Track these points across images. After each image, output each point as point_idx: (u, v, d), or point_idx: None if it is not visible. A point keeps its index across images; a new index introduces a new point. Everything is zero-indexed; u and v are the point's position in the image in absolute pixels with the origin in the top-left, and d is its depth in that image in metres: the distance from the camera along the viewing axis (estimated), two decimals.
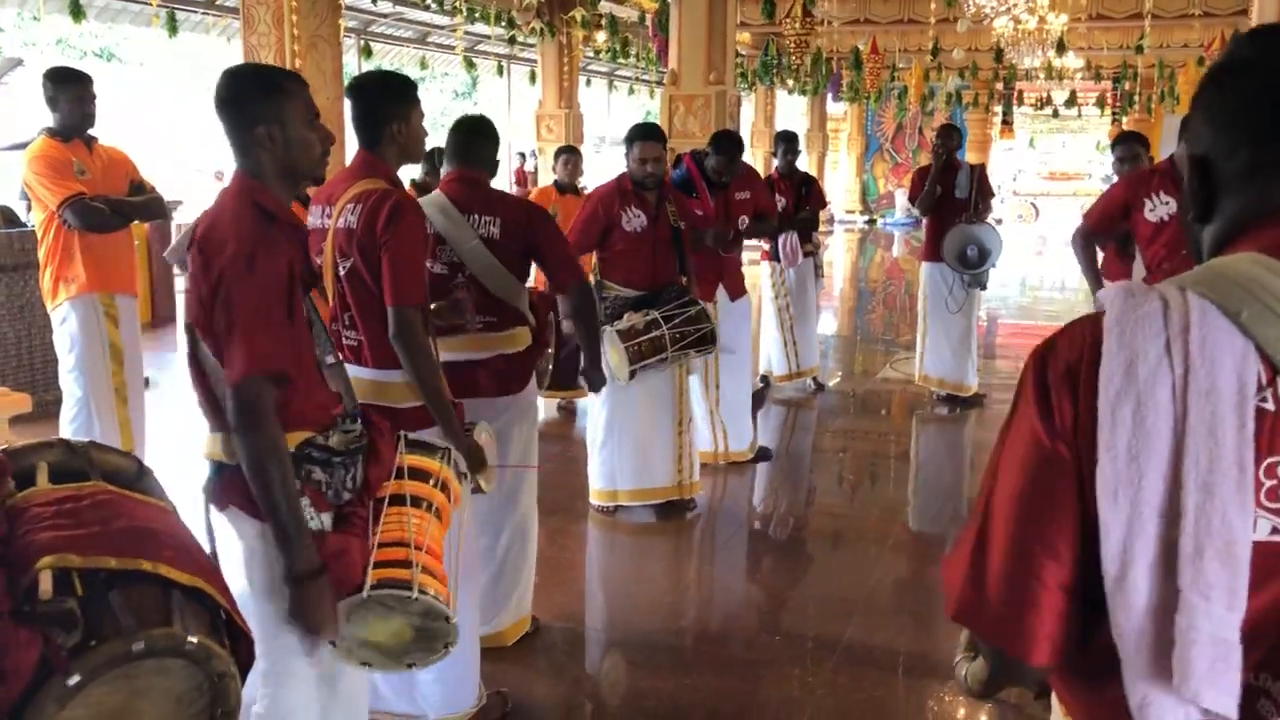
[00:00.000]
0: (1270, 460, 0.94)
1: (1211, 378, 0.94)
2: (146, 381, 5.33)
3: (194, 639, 1.70)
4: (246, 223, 2.10)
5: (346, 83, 2.83)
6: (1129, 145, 5.39)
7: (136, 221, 4.82)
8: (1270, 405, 0.95)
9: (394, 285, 2.67)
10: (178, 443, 4.38)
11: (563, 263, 3.59)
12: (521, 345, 3.52)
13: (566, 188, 6.89)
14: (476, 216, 3.39)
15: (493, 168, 3.55)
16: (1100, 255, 4.90)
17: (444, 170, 3.55)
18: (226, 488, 2.16)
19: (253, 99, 2.16)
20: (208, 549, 2.18)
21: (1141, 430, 0.95)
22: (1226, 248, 1.08)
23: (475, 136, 3.50)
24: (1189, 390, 0.95)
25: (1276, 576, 0.95)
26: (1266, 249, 1.02)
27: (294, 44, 6.46)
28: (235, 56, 7.58)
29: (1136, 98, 17.35)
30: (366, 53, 13.00)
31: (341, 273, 2.77)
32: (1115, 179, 5.34)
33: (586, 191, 5.97)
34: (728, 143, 5.53)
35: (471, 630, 3.02)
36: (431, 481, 2.39)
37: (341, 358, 2.54)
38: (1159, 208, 4.30)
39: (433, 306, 3.22)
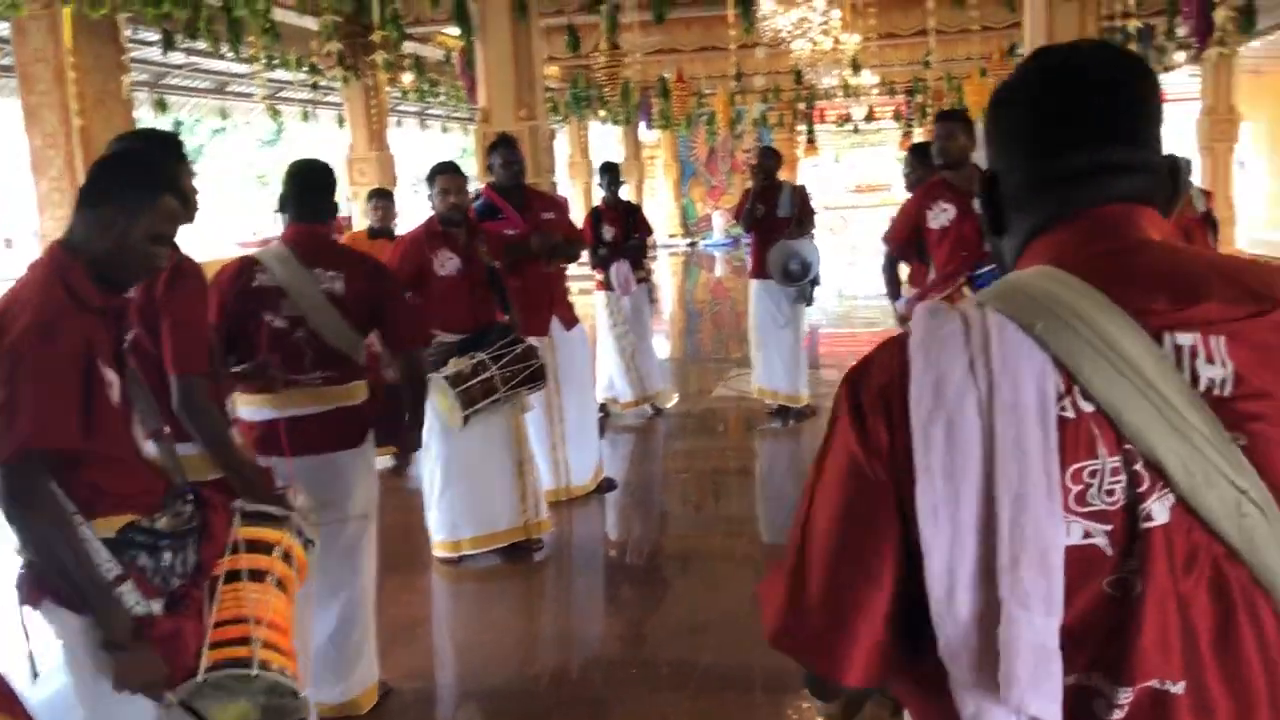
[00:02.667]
0: (1075, 466, 0.97)
1: (1014, 392, 0.96)
2: None
3: None
4: (49, 297, 1.99)
5: (109, 145, 2.67)
6: (913, 157, 5.66)
7: None
8: (1070, 413, 0.97)
9: (175, 352, 2.53)
10: None
11: (405, 325, 3.51)
12: (360, 398, 3.44)
13: (379, 232, 6.69)
14: (320, 270, 3.29)
15: (329, 215, 3.46)
16: (906, 268, 5.19)
17: (284, 222, 3.45)
18: (36, 583, 2.03)
19: (126, 179, 2.09)
20: (26, 648, 2.07)
21: (954, 449, 0.97)
22: (1020, 259, 1.13)
23: (310, 187, 3.40)
24: (994, 406, 0.96)
25: (1092, 577, 0.98)
26: (1053, 260, 1.06)
27: (77, 102, 6.12)
28: (13, 116, 7.11)
29: (928, 109, 18.27)
30: (161, 107, 12.43)
31: (124, 345, 2.60)
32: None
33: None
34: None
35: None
36: (274, 553, 2.27)
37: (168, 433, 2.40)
38: (940, 215, 4.69)
39: (237, 369, 3.09)
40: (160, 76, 12.93)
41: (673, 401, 8.22)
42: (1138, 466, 0.96)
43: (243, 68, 11.42)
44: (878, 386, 1.04)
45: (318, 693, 3.05)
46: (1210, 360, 0.98)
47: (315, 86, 10.67)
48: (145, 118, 11.69)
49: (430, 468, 4.79)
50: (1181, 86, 18.18)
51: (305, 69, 10.38)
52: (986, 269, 4.28)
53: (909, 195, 5.20)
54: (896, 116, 21.09)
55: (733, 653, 3.90)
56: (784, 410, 7.31)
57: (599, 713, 3.56)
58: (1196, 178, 13.86)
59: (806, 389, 7.39)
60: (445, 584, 4.79)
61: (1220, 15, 6.88)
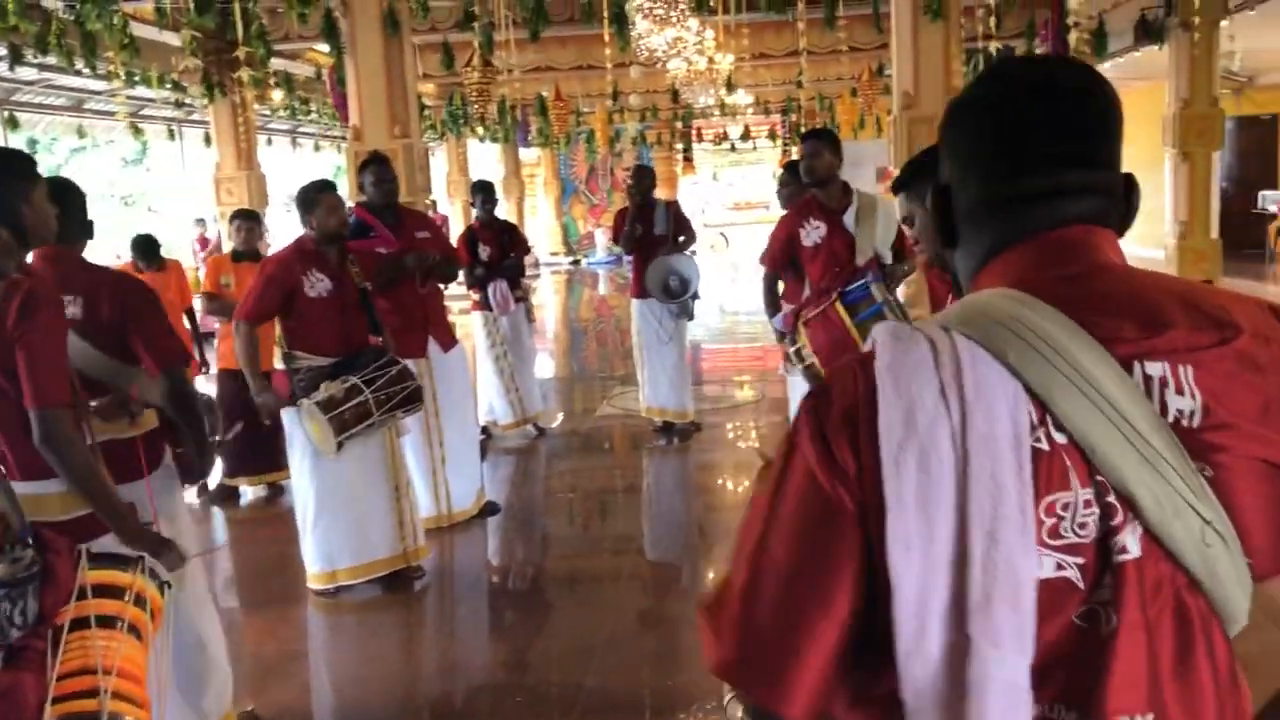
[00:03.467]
0: (1049, 499, 0.94)
1: (989, 423, 0.93)
2: None
3: None
4: None
5: None
6: (787, 175, 5.76)
7: None
8: (1044, 445, 0.95)
9: (34, 385, 2.37)
10: None
11: (155, 346, 3.10)
12: (144, 428, 3.09)
13: (244, 255, 6.39)
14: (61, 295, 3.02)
15: (73, 232, 3.02)
16: (781, 285, 5.26)
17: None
18: None
19: None
20: None
21: (928, 480, 0.93)
22: (977, 276, 1.10)
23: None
24: (967, 436, 0.93)
25: (1061, 610, 0.96)
26: (1014, 283, 1.03)
27: None
28: None
29: (802, 128, 18.68)
30: (13, 124, 11.83)
31: None
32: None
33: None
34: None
35: None
36: (125, 597, 2.13)
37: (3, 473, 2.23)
38: (812, 233, 4.79)
39: (94, 405, 2.88)
40: (11, 93, 12.30)
41: (557, 421, 8.15)
42: (1110, 498, 0.95)
43: (101, 84, 10.95)
44: (842, 409, 0.99)
45: None
46: (1179, 391, 0.96)
47: (179, 104, 10.30)
48: None
49: (303, 497, 4.61)
50: None
51: (168, 86, 10.02)
52: (857, 284, 4.36)
53: (784, 213, 5.27)
54: (772, 135, 21.50)
55: (620, 674, 3.85)
56: (669, 427, 7.32)
57: None
58: None
59: (692, 405, 7.41)
60: (322, 617, 4.61)
61: (1074, 38, 7.20)
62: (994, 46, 8.11)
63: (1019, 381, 0.95)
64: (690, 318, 7.27)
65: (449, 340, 5.54)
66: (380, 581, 4.75)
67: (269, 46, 7.68)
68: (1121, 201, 1.11)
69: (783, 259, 5.00)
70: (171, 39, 8.80)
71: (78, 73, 10.10)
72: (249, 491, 6.40)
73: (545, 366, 10.90)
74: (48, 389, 2.39)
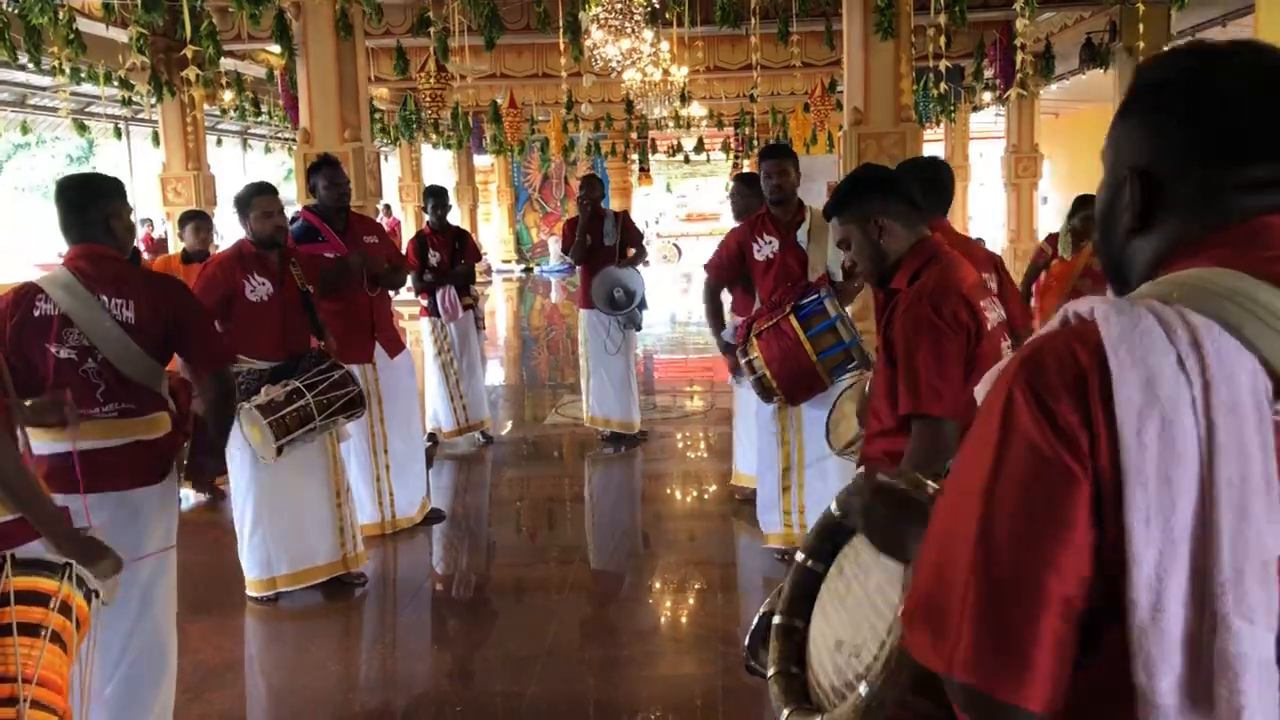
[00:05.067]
0: None
1: (1233, 394, 0.92)
2: None
3: None
4: None
5: None
6: (739, 186, 5.76)
7: None
8: None
9: None
10: None
11: (204, 350, 3.30)
12: (162, 431, 3.20)
13: (194, 256, 6.34)
14: (107, 298, 3.04)
15: (113, 230, 3.12)
16: (729, 297, 5.27)
17: (66, 246, 3.15)
18: None
19: None
20: None
21: (1170, 452, 0.91)
22: (1169, 263, 1.07)
23: (80, 205, 3.08)
24: (1211, 407, 0.91)
25: None
26: (1222, 264, 1.01)
27: None
28: None
29: (755, 141, 18.81)
30: None
31: None
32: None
33: None
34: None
35: None
36: (50, 604, 2.08)
37: None
38: (764, 247, 4.80)
39: (28, 403, 2.85)
40: None
41: (505, 429, 8.12)
42: None
43: (46, 79, 10.75)
44: (1064, 378, 0.96)
45: None
46: None
47: (127, 102, 10.12)
48: None
49: (241, 502, 4.55)
50: (988, 126, 19.34)
51: (115, 83, 9.84)
52: (810, 298, 4.39)
53: (736, 224, 5.27)
54: (725, 148, 21.63)
55: (565, 683, 3.84)
56: (617, 437, 7.32)
57: None
58: (1001, 213, 14.79)
59: (638, 415, 7.42)
60: (260, 624, 4.55)
61: (1021, 60, 7.33)
62: (943, 65, 8.23)
63: (1255, 354, 0.94)
64: (638, 328, 7.29)
65: (396, 346, 5.50)
66: (320, 589, 4.70)
67: (219, 46, 7.57)
68: None
69: (728, 270, 4.99)
70: (119, 35, 8.65)
71: (22, 67, 9.92)
72: (189, 495, 6.30)
73: (495, 374, 10.86)
74: None
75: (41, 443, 3.05)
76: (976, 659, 0.96)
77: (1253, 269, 0.99)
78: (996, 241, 13.72)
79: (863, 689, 1.24)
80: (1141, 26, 7.56)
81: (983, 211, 20.10)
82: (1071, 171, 17.13)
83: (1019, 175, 13.62)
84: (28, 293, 3.07)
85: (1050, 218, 16.21)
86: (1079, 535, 0.94)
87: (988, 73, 11.91)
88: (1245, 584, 0.90)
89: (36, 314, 3.04)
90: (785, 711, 1.38)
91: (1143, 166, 1.09)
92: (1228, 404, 0.91)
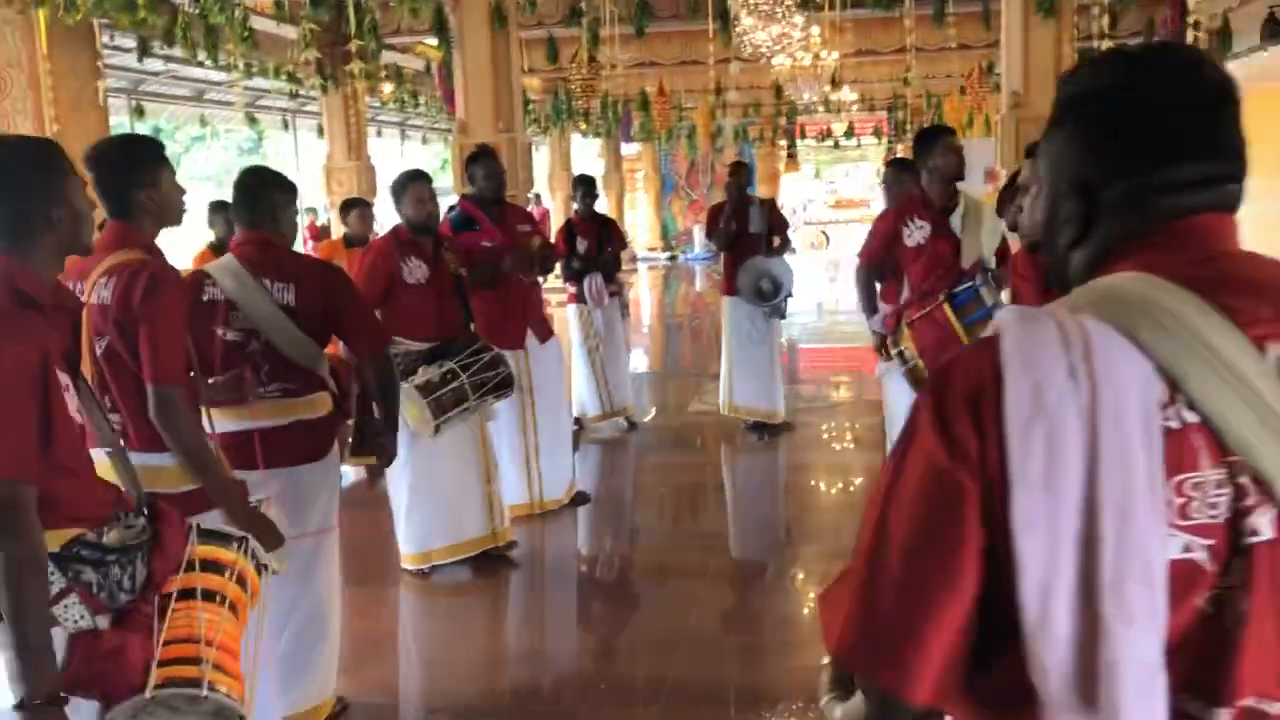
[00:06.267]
0: (1178, 479, 0.94)
1: (1118, 400, 0.93)
2: None
3: None
4: None
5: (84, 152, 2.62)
6: (893, 171, 5.65)
7: None
8: (1174, 423, 0.94)
9: (152, 362, 2.50)
10: None
11: (362, 331, 3.47)
12: (323, 410, 3.38)
13: (356, 241, 6.67)
14: (269, 282, 3.24)
15: (280, 220, 3.35)
16: (879, 285, 5.15)
17: (236, 231, 3.40)
18: None
19: (36, 175, 2.05)
20: None
21: (1054, 459, 0.93)
22: (1100, 269, 1.08)
23: (254, 193, 3.33)
24: (1097, 414, 0.93)
25: (1190, 594, 0.95)
26: (1145, 268, 1.02)
27: (53, 108, 6.06)
28: None
29: (909, 126, 18.38)
30: (139, 113, 12.36)
31: (99, 352, 2.56)
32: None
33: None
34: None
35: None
36: (226, 574, 2.23)
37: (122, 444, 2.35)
38: (915, 232, 4.61)
39: (211, 382, 3.04)
40: (138, 83, 12.85)
41: (649, 416, 8.19)
42: (1242, 479, 0.94)
43: (221, 75, 11.36)
44: (964, 391, 1.00)
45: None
46: None
47: (294, 95, 10.63)
48: (124, 124, 11.62)
49: (397, 479, 4.74)
50: None
51: (284, 78, 10.34)
52: (965, 286, 4.28)
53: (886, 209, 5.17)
54: (877, 133, 21.20)
55: (705, 668, 3.87)
56: (760, 426, 7.29)
57: None
58: None
59: (783, 405, 7.37)
60: (414, 597, 4.73)
61: (1195, 37, 6.95)
62: (1107, 46, 7.87)
63: (1150, 361, 0.95)
64: (782, 317, 7.22)
65: (546, 332, 5.62)
66: (471, 564, 4.85)
67: (380, 40, 7.87)
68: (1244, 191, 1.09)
69: (882, 256, 4.85)
70: (288, 32, 9.08)
71: (200, 64, 10.52)
72: (350, 472, 6.59)
73: (639, 361, 10.95)
74: (165, 366, 2.51)
75: (221, 422, 3.25)
76: (865, 649, 1.03)
77: (1172, 272, 1.00)
78: None
79: None
80: None
81: None
82: (1257, 156, 16.15)
83: None
84: (197, 279, 3.28)
85: None
86: (968, 542, 0.98)
87: None
88: (1126, 587, 0.91)
89: (205, 299, 3.24)
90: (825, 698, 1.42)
91: (1079, 179, 1.10)
92: (1113, 411, 0.93)
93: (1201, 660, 0.95)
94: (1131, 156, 1.07)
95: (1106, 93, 1.09)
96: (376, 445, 3.68)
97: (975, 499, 0.97)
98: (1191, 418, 0.94)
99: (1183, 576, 0.94)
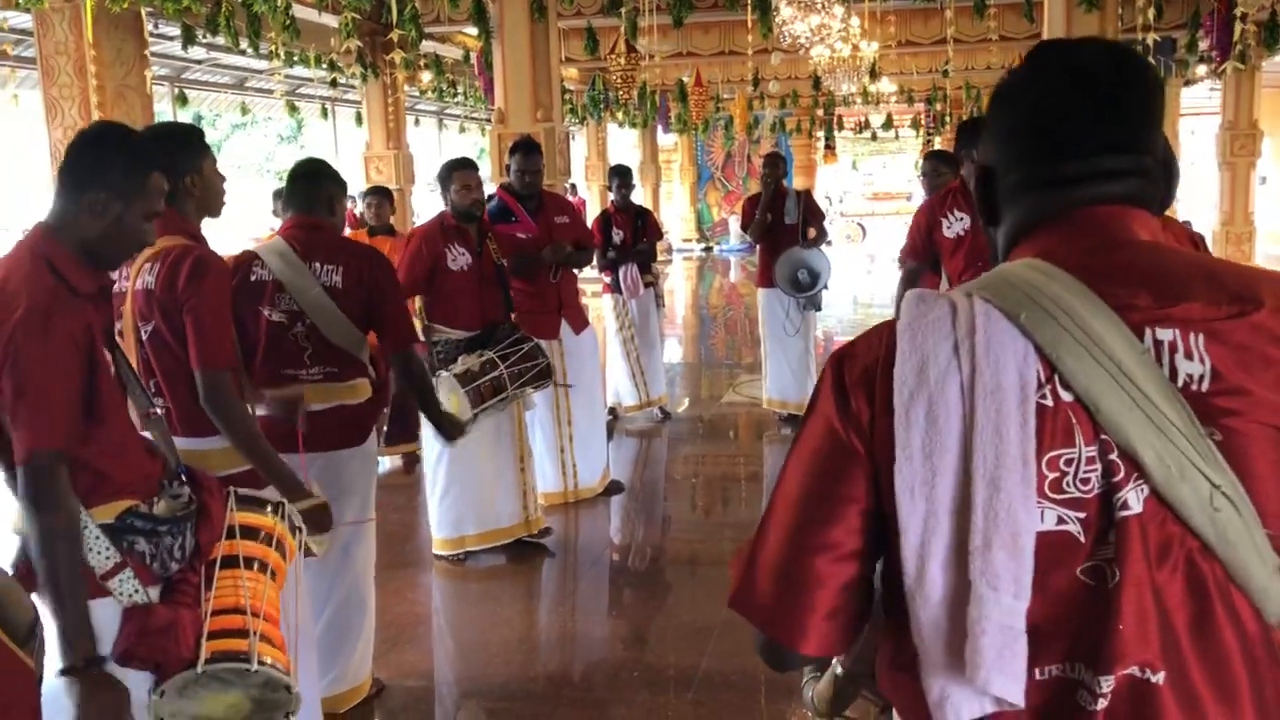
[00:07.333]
0: (1051, 454, 0.99)
1: (996, 377, 0.98)
2: None
3: None
4: (38, 284, 1.97)
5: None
6: (932, 163, 5.61)
7: None
8: (1049, 402, 0.99)
9: (200, 348, 2.54)
10: None
11: (394, 327, 3.50)
12: (363, 396, 3.44)
13: (377, 229, 6.78)
14: (319, 265, 3.31)
15: (334, 211, 3.46)
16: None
17: (285, 216, 3.50)
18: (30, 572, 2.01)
19: (114, 160, 2.08)
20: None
21: (934, 430, 0.99)
22: (1013, 250, 1.14)
23: (312, 181, 3.43)
24: (975, 390, 0.99)
25: (1065, 564, 1.00)
26: (1041, 255, 1.08)
27: (98, 95, 6.16)
28: (34, 109, 7.17)
29: (948, 118, 18.21)
30: (181, 100, 12.50)
31: (144, 336, 2.62)
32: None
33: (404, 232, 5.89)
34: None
35: (313, 695, 2.87)
36: (263, 538, 2.28)
37: (160, 413, 2.40)
38: (955, 224, 4.57)
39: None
40: (181, 71, 13.01)
41: (682, 406, 8.21)
42: (1113, 456, 0.98)
43: (262, 64, 11.47)
44: (863, 365, 1.07)
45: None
46: (1189, 356, 0.99)
47: (334, 84, 10.71)
48: (166, 111, 11.75)
49: (433, 465, 4.79)
50: (1202, 100, 18.11)
51: (324, 66, 10.42)
52: None
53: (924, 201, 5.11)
54: (915, 124, 21.02)
55: (736, 658, 3.89)
56: (794, 419, 7.28)
57: (600, 715, 3.56)
58: (1214, 192, 13.85)
59: None
60: (448, 583, 4.79)
61: (1241, 29, 6.84)
62: (1151, 38, 7.76)
63: (1030, 341, 1.00)
64: (818, 309, 7.21)
65: (581, 322, 5.65)
66: (505, 550, 4.90)
67: (421, 29, 7.91)
68: (1160, 183, 1.13)
69: (924, 250, 4.81)
70: (328, 20, 9.15)
71: (242, 52, 10.63)
72: (385, 461, 6.66)
73: (673, 352, 10.97)
74: (215, 352, 2.56)
75: (259, 404, 3.31)
76: (754, 600, 1.09)
77: (1065, 259, 1.05)
78: (1206, 224, 12.87)
79: (836, 666, 1.37)
80: None
81: (1193, 192, 18.89)
82: None
83: (1235, 154, 12.71)
84: (246, 260, 3.35)
85: (1271, 199, 15.10)
86: (853, 502, 1.05)
87: (1202, 44, 11.14)
88: (993, 553, 0.96)
89: (253, 279, 3.31)
90: (805, 679, 1.47)
91: (987, 165, 1.18)
92: (990, 388, 0.98)
93: (1086, 629, 0.99)
94: (1024, 149, 1.13)
95: (1012, 87, 1.15)
96: (443, 431, 3.83)
97: (864, 461, 1.04)
98: (1067, 396, 0.99)
99: (1056, 547, 0.99)
